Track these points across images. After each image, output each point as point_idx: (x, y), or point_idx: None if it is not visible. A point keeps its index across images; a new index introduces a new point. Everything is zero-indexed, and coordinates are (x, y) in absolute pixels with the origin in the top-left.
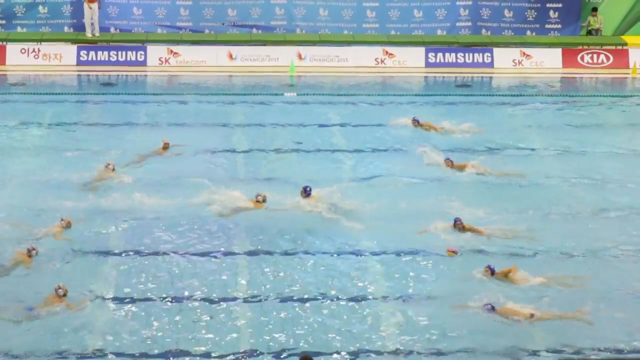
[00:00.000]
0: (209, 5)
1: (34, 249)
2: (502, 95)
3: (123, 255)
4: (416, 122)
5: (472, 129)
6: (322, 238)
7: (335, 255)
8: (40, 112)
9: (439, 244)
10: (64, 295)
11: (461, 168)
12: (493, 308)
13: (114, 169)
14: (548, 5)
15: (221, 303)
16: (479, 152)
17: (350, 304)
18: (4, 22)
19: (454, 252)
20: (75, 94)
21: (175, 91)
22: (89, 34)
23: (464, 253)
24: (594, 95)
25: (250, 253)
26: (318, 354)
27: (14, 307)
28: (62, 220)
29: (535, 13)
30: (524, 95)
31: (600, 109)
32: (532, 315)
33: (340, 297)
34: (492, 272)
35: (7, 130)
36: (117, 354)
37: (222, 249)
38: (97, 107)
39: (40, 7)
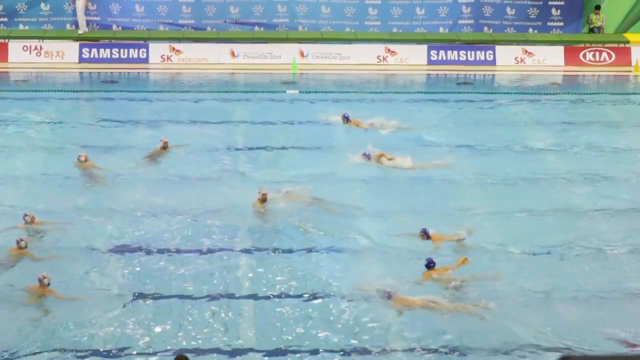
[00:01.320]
0: (211, 3)
1: (22, 240)
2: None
3: (121, 251)
4: (345, 119)
5: (403, 125)
6: (323, 234)
7: (335, 252)
8: (42, 110)
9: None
10: (49, 284)
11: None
12: (389, 296)
13: (86, 160)
14: (550, 2)
15: (220, 300)
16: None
17: (350, 299)
18: (6, 19)
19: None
20: (77, 91)
21: (177, 89)
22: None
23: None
24: (596, 93)
25: (252, 250)
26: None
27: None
28: (25, 216)
29: (537, 11)
30: (522, 93)
31: (602, 107)
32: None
33: (340, 293)
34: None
35: (8, 127)
36: (109, 347)
37: (222, 247)
38: (99, 105)
39: (42, 5)
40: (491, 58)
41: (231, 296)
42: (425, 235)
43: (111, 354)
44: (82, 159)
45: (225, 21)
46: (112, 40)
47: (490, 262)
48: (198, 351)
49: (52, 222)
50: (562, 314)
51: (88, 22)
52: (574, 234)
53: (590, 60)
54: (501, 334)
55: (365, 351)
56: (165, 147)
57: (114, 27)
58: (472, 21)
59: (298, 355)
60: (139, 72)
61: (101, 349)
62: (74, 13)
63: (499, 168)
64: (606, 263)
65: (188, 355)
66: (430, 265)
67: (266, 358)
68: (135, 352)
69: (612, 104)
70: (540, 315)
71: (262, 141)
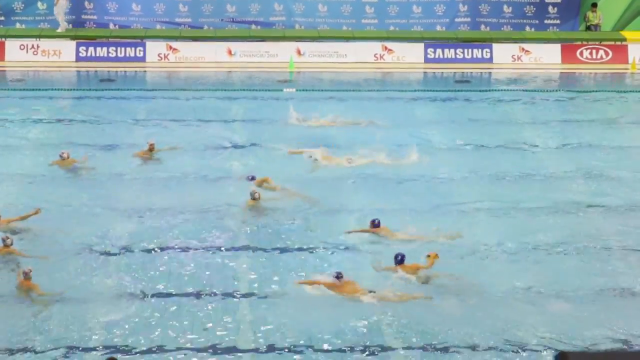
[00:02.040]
0: (208, 1)
1: (8, 238)
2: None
3: (113, 251)
4: (299, 119)
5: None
6: (318, 232)
7: (330, 249)
8: (39, 108)
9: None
10: (30, 278)
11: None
12: (338, 277)
13: (68, 157)
14: (547, 0)
15: (211, 298)
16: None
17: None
18: (2, 18)
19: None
20: (74, 89)
21: (174, 87)
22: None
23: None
24: (594, 91)
25: (246, 248)
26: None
27: None
28: None
29: (534, 8)
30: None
31: (599, 105)
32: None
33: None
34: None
35: (5, 126)
36: (95, 345)
37: (214, 245)
38: (96, 103)
39: (39, 4)
40: (488, 56)
41: (225, 294)
42: (373, 225)
43: (97, 350)
44: (65, 156)
45: (222, 20)
46: (109, 39)
47: (482, 259)
48: (193, 350)
49: (17, 218)
50: (555, 311)
51: (85, 21)
52: (569, 231)
53: (587, 58)
54: (492, 329)
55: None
56: (151, 149)
57: (111, 25)
58: (469, 19)
59: (287, 351)
60: (136, 71)
61: (90, 347)
62: (71, 12)
63: (495, 165)
64: (601, 260)
65: (182, 354)
66: (400, 260)
67: (261, 355)
68: (127, 352)
69: (609, 101)
70: (532, 313)
71: (259, 139)
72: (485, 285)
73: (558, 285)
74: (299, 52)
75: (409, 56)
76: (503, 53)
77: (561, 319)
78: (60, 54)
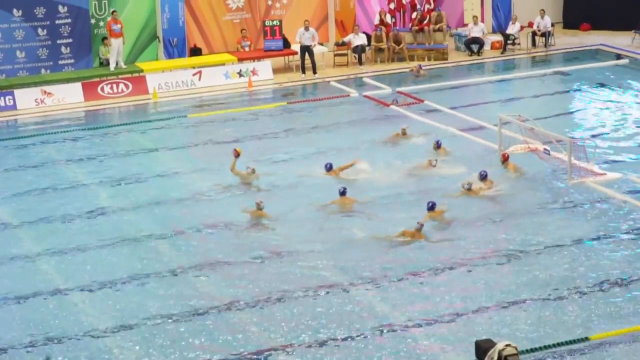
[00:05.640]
0: None
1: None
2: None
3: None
4: None
5: None
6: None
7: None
8: None
9: None
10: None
11: None
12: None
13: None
14: (59, 41)
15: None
16: None
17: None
18: None
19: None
20: None
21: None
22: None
23: None
24: (123, 124)
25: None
26: None
27: None
28: None
29: (47, 51)
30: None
31: (129, 135)
32: None
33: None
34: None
35: None
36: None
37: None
38: None
39: None
40: (11, 103)
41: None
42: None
43: None
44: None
45: None
46: None
47: None
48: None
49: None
50: None
51: None
52: None
53: (109, 93)
54: None
55: None
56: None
57: None
58: None
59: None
60: None
61: None
62: None
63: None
64: None
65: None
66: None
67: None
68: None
69: (138, 132)
70: None
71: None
72: None
73: None
74: None
75: None
76: (26, 98)
77: None
78: None
